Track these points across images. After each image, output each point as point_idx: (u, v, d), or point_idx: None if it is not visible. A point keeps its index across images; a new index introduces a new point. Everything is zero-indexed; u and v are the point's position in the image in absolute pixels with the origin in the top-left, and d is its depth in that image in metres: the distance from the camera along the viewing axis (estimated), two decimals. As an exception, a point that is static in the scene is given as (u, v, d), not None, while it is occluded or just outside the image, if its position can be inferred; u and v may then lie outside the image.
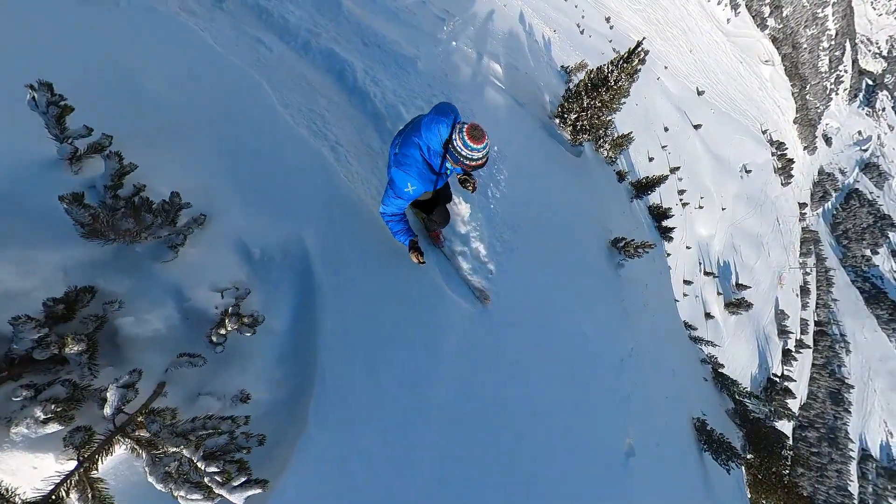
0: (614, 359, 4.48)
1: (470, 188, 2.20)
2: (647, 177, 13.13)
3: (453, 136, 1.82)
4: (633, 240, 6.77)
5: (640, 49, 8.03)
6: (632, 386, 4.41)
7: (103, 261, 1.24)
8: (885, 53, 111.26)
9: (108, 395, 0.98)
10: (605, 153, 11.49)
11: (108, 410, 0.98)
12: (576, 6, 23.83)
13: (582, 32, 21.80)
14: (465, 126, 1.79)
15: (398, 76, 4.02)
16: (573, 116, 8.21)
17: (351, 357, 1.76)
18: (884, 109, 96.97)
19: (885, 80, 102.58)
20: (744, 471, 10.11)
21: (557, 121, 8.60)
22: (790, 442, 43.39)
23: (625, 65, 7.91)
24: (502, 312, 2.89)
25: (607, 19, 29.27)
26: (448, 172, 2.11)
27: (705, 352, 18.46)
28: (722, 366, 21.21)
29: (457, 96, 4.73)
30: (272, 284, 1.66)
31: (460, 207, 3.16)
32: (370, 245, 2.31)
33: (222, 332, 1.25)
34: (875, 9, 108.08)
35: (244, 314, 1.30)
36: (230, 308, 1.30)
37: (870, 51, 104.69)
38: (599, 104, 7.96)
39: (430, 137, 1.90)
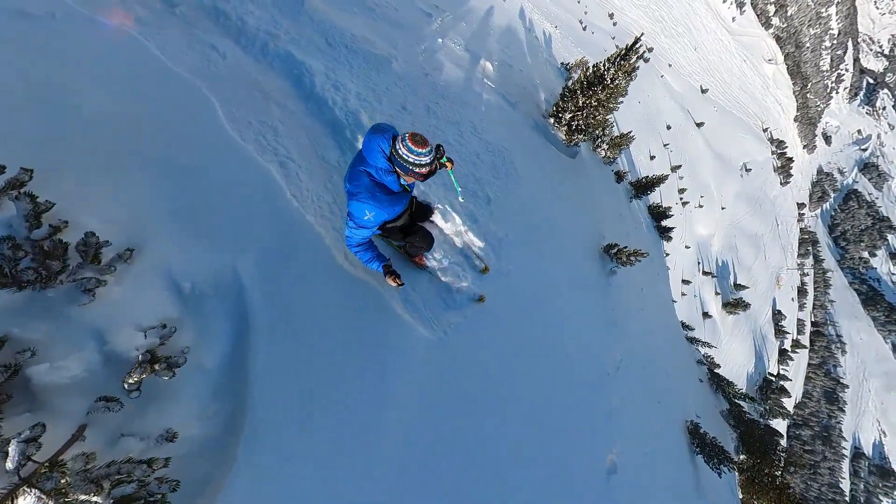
0: (598, 375, 4.36)
1: (448, 165, 2.21)
2: (647, 176, 12.93)
3: (396, 146, 1.78)
4: (625, 247, 6.57)
5: (638, 46, 7.55)
6: (619, 400, 4.29)
7: (15, 308, 1.12)
8: (886, 52, 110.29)
9: (9, 449, 0.86)
10: (604, 153, 11.20)
11: (9, 465, 0.86)
12: (578, 2, 23.42)
13: (584, 29, 21.44)
14: (406, 134, 1.76)
15: (366, 78, 3.80)
16: (568, 116, 7.85)
17: (286, 393, 1.65)
18: (884, 108, 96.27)
19: (887, 78, 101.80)
20: (736, 473, 10.06)
21: (552, 120, 8.21)
22: (784, 440, 43.84)
23: (622, 62, 7.45)
24: (475, 337, 2.72)
25: (611, 15, 28.83)
26: (409, 189, 2.05)
27: (702, 352, 18.39)
28: (718, 366, 21.20)
29: (437, 97, 4.50)
30: (204, 319, 1.54)
31: (443, 225, 3.00)
32: (317, 270, 2.16)
33: (132, 380, 1.12)
34: (878, 7, 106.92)
35: (160, 357, 1.16)
36: (141, 356, 1.17)
37: (871, 49, 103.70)
38: (595, 103, 7.57)
39: (374, 158, 1.85)
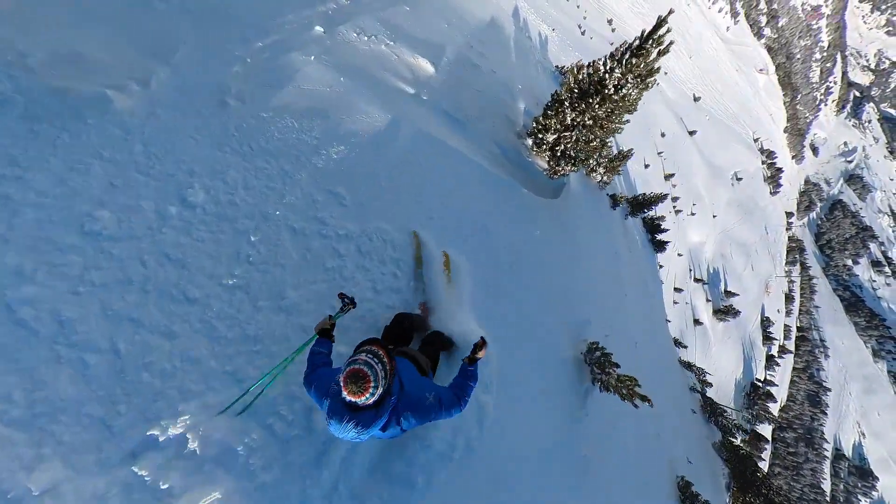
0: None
1: (481, 353, 1.92)
2: (644, 194, 11.89)
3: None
4: (611, 353, 4.64)
5: (661, 34, 4.89)
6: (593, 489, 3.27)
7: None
8: (873, 66, 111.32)
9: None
10: (599, 177, 9.18)
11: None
12: (577, 6, 22.51)
13: (583, 33, 20.52)
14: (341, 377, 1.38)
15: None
16: (551, 138, 5.58)
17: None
18: (870, 121, 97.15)
19: (872, 92, 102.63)
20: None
21: (530, 142, 6.00)
22: (769, 444, 43.77)
23: (634, 59, 5.05)
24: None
25: (609, 21, 27.98)
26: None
27: (695, 378, 17.61)
28: (710, 385, 20.48)
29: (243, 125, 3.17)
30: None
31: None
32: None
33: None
34: (866, 23, 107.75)
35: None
36: None
37: (859, 63, 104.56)
38: (591, 121, 5.27)
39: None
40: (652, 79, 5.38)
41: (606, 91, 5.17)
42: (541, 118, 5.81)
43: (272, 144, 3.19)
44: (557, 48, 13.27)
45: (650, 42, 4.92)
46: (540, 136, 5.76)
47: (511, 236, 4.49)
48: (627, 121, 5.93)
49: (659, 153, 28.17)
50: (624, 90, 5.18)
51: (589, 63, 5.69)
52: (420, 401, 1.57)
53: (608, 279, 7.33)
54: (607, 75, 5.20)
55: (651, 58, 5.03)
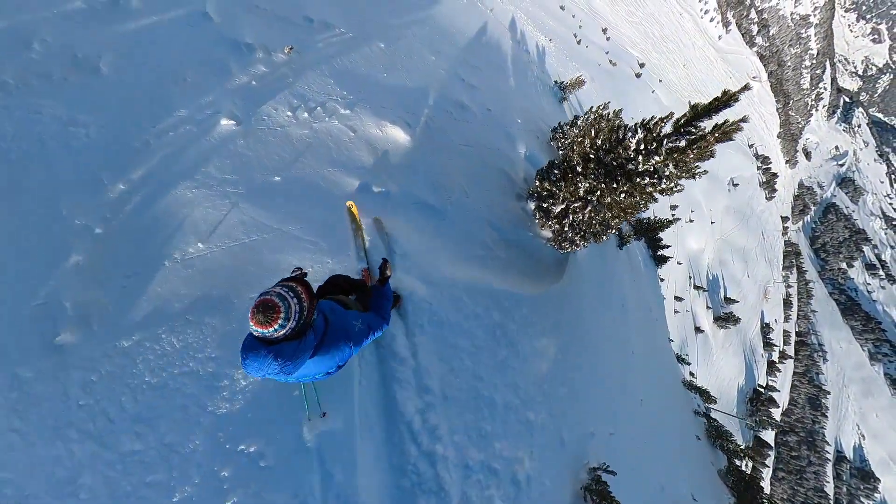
0: None
1: (388, 271, 2.03)
2: (650, 220, 10.89)
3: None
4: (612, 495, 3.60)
5: (731, 125, 3.10)
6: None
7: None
8: (860, 73, 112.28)
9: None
10: (622, 239, 7.71)
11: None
12: (573, 16, 21.82)
13: (579, 43, 19.78)
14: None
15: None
16: (559, 208, 4.34)
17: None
18: (859, 126, 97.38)
19: (861, 97, 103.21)
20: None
21: (532, 206, 4.76)
22: (772, 450, 42.78)
23: (676, 138, 3.31)
24: None
25: (604, 30, 27.34)
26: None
27: (700, 402, 16.62)
28: (715, 400, 19.51)
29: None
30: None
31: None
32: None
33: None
34: (852, 31, 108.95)
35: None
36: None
37: (847, 70, 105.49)
38: (609, 201, 3.87)
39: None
40: (699, 169, 3.48)
41: (637, 179, 3.61)
42: (546, 183, 4.39)
43: (144, 401, 1.92)
44: (555, 60, 12.50)
45: (714, 131, 3.07)
46: (545, 204, 4.40)
47: (503, 369, 3.45)
48: (656, 200, 4.11)
49: (658, 162, 27.31)
50: (663, 183, 3.53)
51: (611, 120, 4.22)
52: (349, 328, 1.55)
53: (615, 348, 6.23)
54: (640, 158, 3.54)
55: (708, 149, 3.20)
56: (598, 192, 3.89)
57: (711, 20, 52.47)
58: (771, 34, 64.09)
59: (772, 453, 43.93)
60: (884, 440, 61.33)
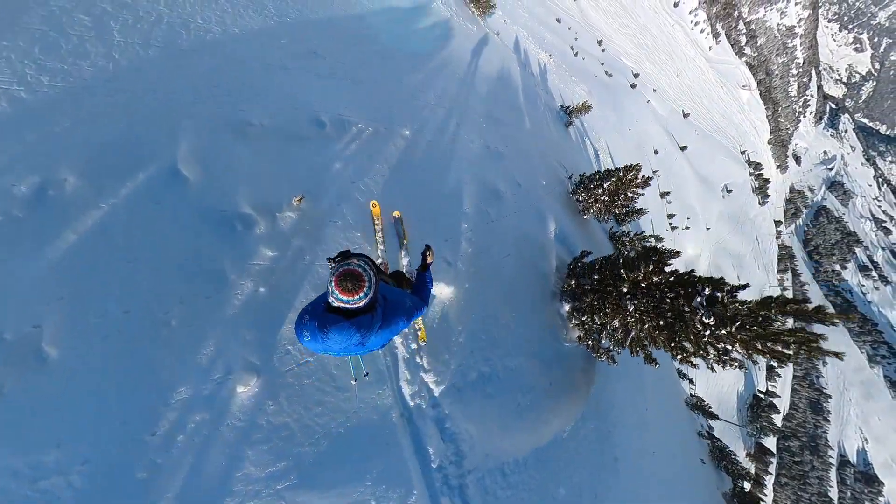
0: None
1: (430, 258, 2.05)
2: (655, 241, 10.05)
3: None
4: None
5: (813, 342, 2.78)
6: None
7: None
8: (844, 80, 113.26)
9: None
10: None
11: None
12: (569, 28, 21.37)
13: (576, 55, 19.27)
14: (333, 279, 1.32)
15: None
16: (598, 321, 3.93)
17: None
18: (846, 131, 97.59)
19: (846, 103, 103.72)
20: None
21: (567, 309, 4.17)
22: (774, 457, 41.34)
23: (750, 324, 2.86)
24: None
25: (599, 42, 26.96)
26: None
27: (704, 422, 15.70)
28: (717, 417, 18.53)
29: None
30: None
31: None
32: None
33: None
34: (835, 41, 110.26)
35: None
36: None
37: (832, 77, 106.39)
38: (656, 335, 3.45)
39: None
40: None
41: (697, 333, 3.11)
42: (581, 285, 3.64)
43: None
44: (556, 77, 12.04)
45: (793, 337, 2.57)
46: (584, 317, 3.70)
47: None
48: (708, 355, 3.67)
49: (654, 172, 26.85)
50: (729, 353, 3.07)
51: (657, 256, 3.41)
52: (402, 304, 1.62)
53: (636, 423, 5.52)
54: (700, 326, 3.08)
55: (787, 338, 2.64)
56: (647, 325, 3.24)
57: (702, 31, 52.63)
58: (759, 44, 64.42)
59: (774, 459, 42.55)
60: (887, 443, 59.83)
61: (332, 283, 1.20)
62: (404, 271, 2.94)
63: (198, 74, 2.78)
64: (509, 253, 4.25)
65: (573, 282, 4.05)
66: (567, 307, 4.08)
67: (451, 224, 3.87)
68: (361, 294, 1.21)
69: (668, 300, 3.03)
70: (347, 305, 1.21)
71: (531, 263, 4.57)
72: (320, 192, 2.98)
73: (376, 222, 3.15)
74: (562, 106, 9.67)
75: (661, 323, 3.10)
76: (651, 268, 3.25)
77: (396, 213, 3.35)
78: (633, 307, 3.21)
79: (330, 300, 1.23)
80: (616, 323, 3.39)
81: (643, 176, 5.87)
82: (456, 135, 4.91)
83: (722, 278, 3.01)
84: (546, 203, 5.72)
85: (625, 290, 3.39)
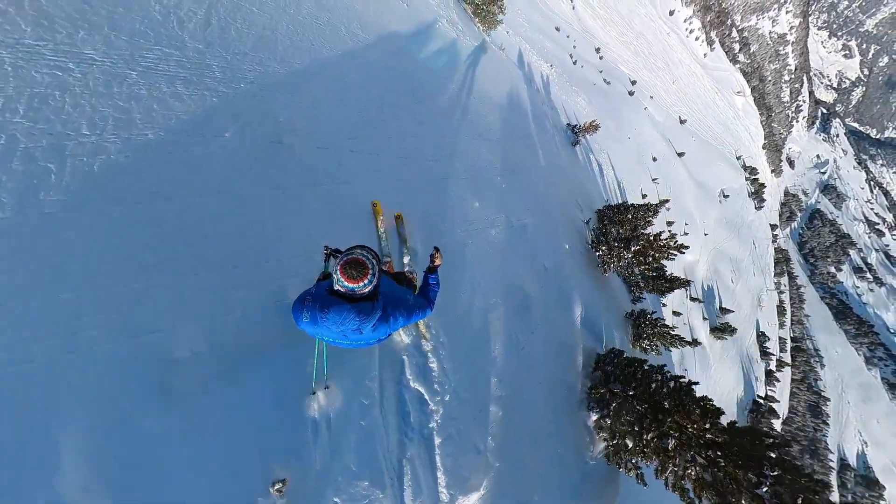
0: None
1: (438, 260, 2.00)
2: (665, 276, 9.16)
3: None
4: None
5: None
6: None
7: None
8: (835, 85, 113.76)
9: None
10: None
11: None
12: (567, 36, 20.81)
13: (575, 63, 18.68)
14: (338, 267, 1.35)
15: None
16: (630, 443, 3.35)
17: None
18: (838, 135, 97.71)
19: (837, 108, 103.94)
20: None
21: (593, 420, 3.81)
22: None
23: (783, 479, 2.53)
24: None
25: (597, 50, 26.45)
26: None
27: None
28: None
29: None
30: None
31: None
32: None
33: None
34: (825, 47, 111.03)
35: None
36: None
37: (823, 83, 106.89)
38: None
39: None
40: None
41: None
42: (611, 393, 3.03)
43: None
44: (558, 88, 11.57)
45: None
46: (615, 440, 3.13)
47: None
48: None
49: (653, 180, 26.27)
50: None
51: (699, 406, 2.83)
52: (404, 300, 1.58)
53: None
54: None
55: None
56: (690, 471, 2.72)
57: (696, 39, 52.48)
58: (752, 51, 64.44)
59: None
60: (886, 447, 58.94)
61: (338, 272, 1.24)
62: (406, 272, 2.83)
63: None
64: (540, 381, 3.56)
65: (602, 389, 3.21)
66: (594, 417, 3.26)
67: (477, 386, 3.07)
68: (366, 281, 1.25)
69: (720, 463, 2.24)
70: (353, 291, 1.26)
71: (560, 380, 3.81)
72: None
73: (379, 222, 3.02)
74: (568, 124, 9.03)
75: (709, 479, 2.29)
76: (695, 416, 2.48)
77: (398, 214, 3.24)
78: (673, 442, 2.42)
79: (336, 287, 1.26)
80: (651, 454, 2.63)
81: (677, 242, 5.01)
82: (476, 218, 4.06)
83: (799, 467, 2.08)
84: (571, 276, 5.05)
85: (667, 429, 2.53)
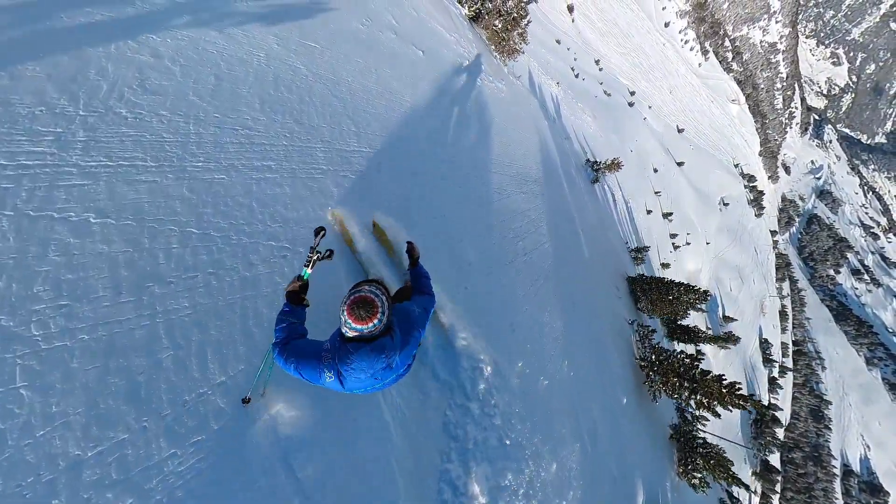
0: None
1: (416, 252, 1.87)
2: (679, 325, 8.24)
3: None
4: None
5: None
6: None
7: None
8: (825, 92, 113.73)
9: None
10: None
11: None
12: (568, 49, 20.06)
13: (577, 76, 17.91)
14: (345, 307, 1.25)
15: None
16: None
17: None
18: (830, 141, 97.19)
19: (828, 114, 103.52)
20: None
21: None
22: (780, 474, 38.94)
23: None
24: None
25: (597, 62, 25.71)
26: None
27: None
28: (724, 443, 16.52)
29: None
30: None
31: None
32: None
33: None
34: (814, 55, 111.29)
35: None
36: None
37: (813, 90, 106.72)
38: None
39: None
40: None
41: None
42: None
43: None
44: (567, 107, 10.85)
45: None
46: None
47: None
48: None
49: (656, 192, 25.34)
50: None
51: None
52: (413, 316, 1.50)
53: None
54: None
55: None
56: None
57: (691, 49, 52.05)
58: (744, 60, 64.11)
59: (779, 478, 40.23)
60: (889, 449, 57.23)
61: (345, 314, 1.16)
62: (408, 283, 2.45)
63: None
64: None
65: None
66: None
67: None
68: (376, 321, 1.17)
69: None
70: (363, 334, 1.17)
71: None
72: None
73: (348, 238, 2.56)
74: (587, 160, 8.20)
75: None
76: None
77: (373, 221, 2.84)
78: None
79: (344, 331, 1.19)
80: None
81: (739, 390, 4.00)
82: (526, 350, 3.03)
83: None
84: (630, 441, 3.94)
85: None
